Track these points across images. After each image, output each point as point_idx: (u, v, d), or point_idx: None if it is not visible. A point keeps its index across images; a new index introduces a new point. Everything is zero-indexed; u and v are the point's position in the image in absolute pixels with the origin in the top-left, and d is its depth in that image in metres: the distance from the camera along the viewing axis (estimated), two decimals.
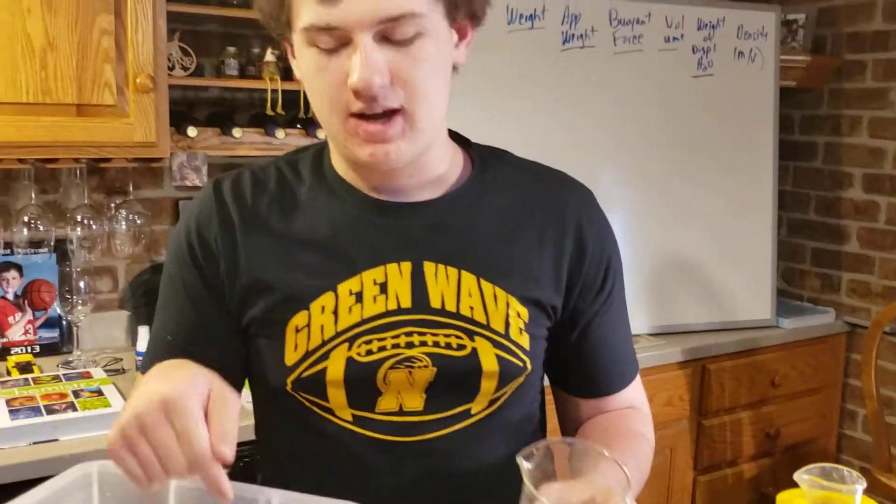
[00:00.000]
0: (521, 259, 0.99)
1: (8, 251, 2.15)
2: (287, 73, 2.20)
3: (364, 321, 0.94)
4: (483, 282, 0.97)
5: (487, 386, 0.97)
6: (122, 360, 2.18)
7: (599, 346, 1.07)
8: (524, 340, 0.98)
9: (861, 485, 0.92)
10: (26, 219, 2.12)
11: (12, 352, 2.17)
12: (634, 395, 1.13)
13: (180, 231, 1.02)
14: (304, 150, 1.06)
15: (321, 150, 1.04)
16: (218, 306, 0.99)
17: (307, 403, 0.96)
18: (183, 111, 2.23)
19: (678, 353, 2.54)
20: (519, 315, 0.98)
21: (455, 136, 1.06)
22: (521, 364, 0.98)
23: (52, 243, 2.17)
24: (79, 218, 2.17)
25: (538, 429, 1.11)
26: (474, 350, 0.95)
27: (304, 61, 0.90)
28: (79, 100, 1.81)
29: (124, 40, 1.86)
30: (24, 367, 2.04)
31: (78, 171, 2.18)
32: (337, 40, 0.86)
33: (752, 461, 2.78)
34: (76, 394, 1.84)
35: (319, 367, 0.94)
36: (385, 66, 0.86)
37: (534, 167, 1.08)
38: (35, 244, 2.16)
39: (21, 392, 1.85)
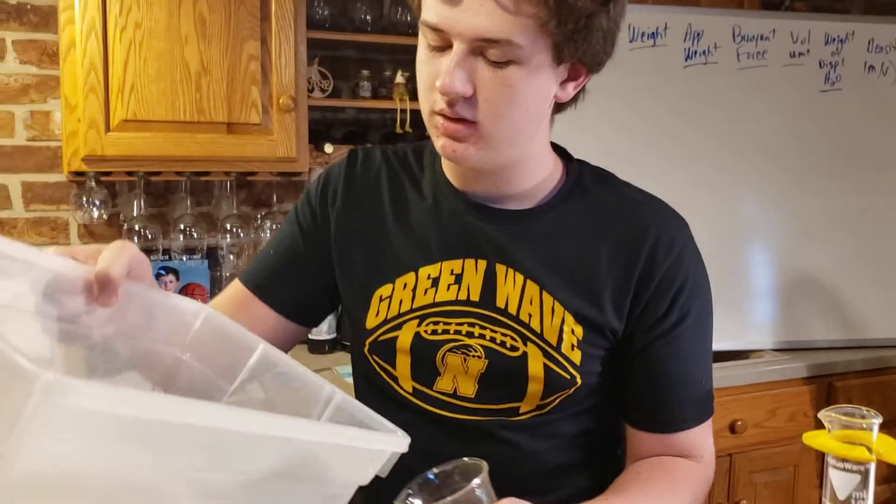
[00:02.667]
0: (587, 279, 1.01)
1: (166, 257, 2.39)
2: (415, 94, 2.34)
3: (435, 304, 1.04)
4: (545, 294, 1.01)
5: (534, 390, 1.01)
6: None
7: (655, 378, 1.04)
8: (575, 356, 1.01)
9: (878, 419, 0.96)
10: (182, 227, 2.36)
11: None
12: (696, 441, 1.06)
13: (310, 185, 1.15)
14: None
15: None
16: (311, 260, 1.11)
17: (378, 369, 1.07)
18: (321, 130, 2.42)
19: (803, 369, 2.51)
20: (573, 332, 1.00)
21: (559, 150, 1.10)
22: (568, 377, 1.01)
23: (205, 250, 2.39)
24: (228, 227, 2.39)
25: (607, 449, 1.14)
26: (525, 354, 1.00)
27: (419, 50, 0.97)
28: (229, 118, 2.01)
29: (269, 65, 2.06)
30: None
31: (228, 185, 2.39)
32: (442, 41, 0.91)
33: (884, 483, 2.70)
34: None
35: (392, 334, 1.05)
36: (470, 79, 0.90)
37: (629, 191, 1.08)
38: (189, 251, 2.38)
39: None
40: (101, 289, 0.76)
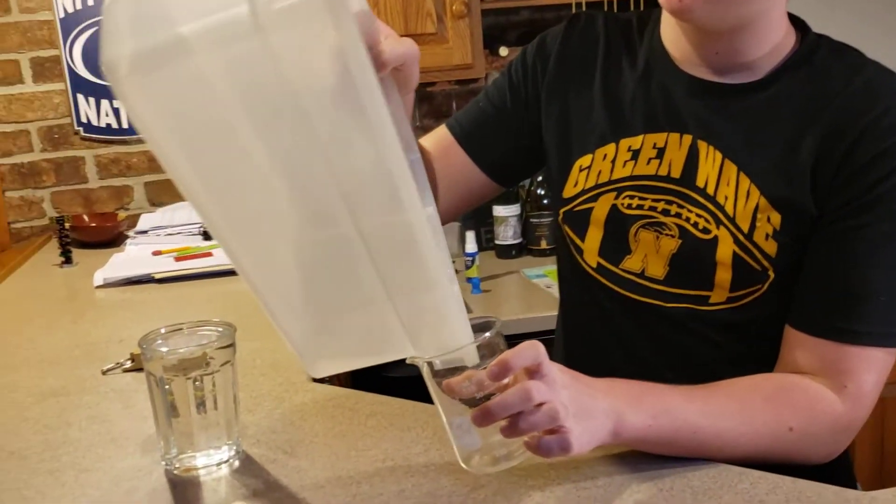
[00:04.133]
0: (791, 162, 0.93)
1: None
2: None
3: (634, 177, 1.03)
4: (741, 175, 0.95)
5: (722, 278, 0.96)
6: (454, 262, 2.48)
7: (829, 272, 0.92)
8: (770, 247, 0.94)
9: None
10: None
11: None
12: (852, 366, 0.89)
13: (528, 45, 1.17)
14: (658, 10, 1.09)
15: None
16: (517, 119, 1.14)
17: (568, 240, 1.10)
18: (495, 34, 2.44)
19: None
20: (769, 220, 0.94)
21: (797, 22, 1.01)
22: (759, 269, 0.94)
23: None
24: None
25: None
26: (716, 238, 0.96)
27: None
28: (405, 31, 2.08)
29: None
30: None
31: None
32: None
33: None
34: None
35: (588, 205, 1.06)
36: None
37: (867, 69, 0.95)
38: None
39: None
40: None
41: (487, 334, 0.76)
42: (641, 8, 2.26)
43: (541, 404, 0.73)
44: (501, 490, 0.82)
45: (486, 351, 0.76)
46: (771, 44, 0.97)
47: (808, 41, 0.98)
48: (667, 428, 0.83)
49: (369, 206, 0.69)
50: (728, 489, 0.80)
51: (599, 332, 1.10)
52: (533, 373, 0.75)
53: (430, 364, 0.76)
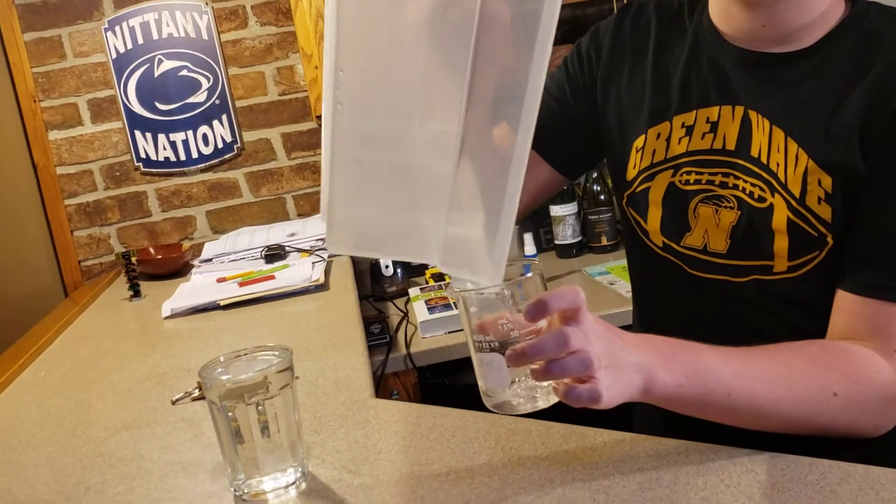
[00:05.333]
0: (839, 124, 0.92)
1: None
2: None
3: (689, 153, 1.03)
4: (789, 140, 0.95)
5: (780, 246, 0.95)
6: (512, 264, 2.46)
7: (865, 224, 0.91)
8: (824, 211, 0.92)
9: None
10: None
11: (429, 265, 2.57)
12: (894, 328, 0.88)
13: (582, 38, 1.19)
14: None
15: None
16: (576, 111, 1.15)
17: (633, 223, 1.10)
18: None
19: None
20: (820, 183, 0.92)
21: None
22: (816, 235, 0.93)
23: None
24: None
25: None
26: (771, 205, 0.96)
27: None
28: None
29: None
30: (438, 277, 2.42)
31: None
32: None
33: None
34: None
35: (646, 185, 1.06)
36: None
37: None
38: None
39: (436, 294, 2.22)
40: None
41: (528, 274, 0.76)
42: None
43: (575, 351, 0.73)
44: (566, 496, 0.81)
45: (523, 292, 0.76)
46: (817, 12, 0.96)
47: (858, 7, 0.97)
48: (699, 388, 0.81)
49: (495, 113, 0.72)
50: (798, 481, 0.78)
51: (675, 318, 1.09)
52: (569, 319, 0.74)
53: (465, 298, 0.77)
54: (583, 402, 0.74)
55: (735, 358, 0.84)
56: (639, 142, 1.07)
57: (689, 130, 1.03)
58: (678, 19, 1.10)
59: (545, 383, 0.77)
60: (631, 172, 1.08)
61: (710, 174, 1.01)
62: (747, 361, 0.84)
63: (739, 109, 1.00)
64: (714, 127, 1.01)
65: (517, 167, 0.72)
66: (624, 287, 2.16)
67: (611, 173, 1.15)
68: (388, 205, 0.80)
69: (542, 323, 0.76)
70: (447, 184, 0.75)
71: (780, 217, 0.95)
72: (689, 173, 1.02)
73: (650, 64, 1.08)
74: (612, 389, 0.74)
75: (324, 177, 0.83)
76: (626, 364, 0.77)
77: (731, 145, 1.00)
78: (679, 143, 1.04)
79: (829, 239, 0.93)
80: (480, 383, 0.79)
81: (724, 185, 1.00)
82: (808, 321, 0.97)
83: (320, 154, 2.76)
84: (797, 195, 0.94)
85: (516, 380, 0.77)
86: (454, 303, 0.83)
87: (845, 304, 0.91)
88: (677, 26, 1.09)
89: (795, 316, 0.98)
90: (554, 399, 0.77)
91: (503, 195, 0.73)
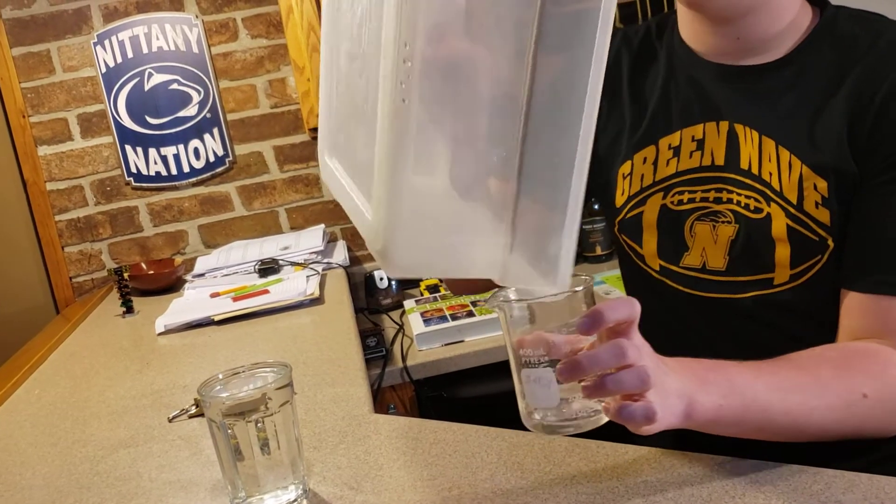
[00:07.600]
0: (825, 127, 0.93)
1: None
2: None
3: (679, 173, 1.02)
4: (781, 148, 0.95)
5: (781, 255, 0.95)
6: None
7: (873, 227, 0.91)
8: (822, 215, 0.92)
9: None
10: None
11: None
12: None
13: None
14: (674, 13, 1.10)
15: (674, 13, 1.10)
16: None
17: (627, 248, 1.09)
18: None
19: None
20: (816, 187, 0.92)
21: None
22: (817, 239, 0.93)
23: None
24: None
25: None
26: (768, 215, 0.95)
27: None
28: None
29: None
30: (433, 288, 2.42)
31: None
32: None
33: None
34: (474, 304, 2.15)
35: (638, 210, 1.05)
36: None
37: (890, 29, 0.95)
38: None
39: (431, 306, 2.21)
40: None
41: (578, 288, 0.71)
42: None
43: (629, 365, 0.68)
44: None
45: (568, 307, 0.71)
46: (787, 20, 0.98)
47: (827, 14, 0.99)
48: (737, 408, 0.78)
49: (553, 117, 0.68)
50: (803, 491, 0.78)
51: (674, 339, 1.07)
52: (619, 333, 0.70)
53: (507, 311, 0.72)
54: (636, 420, 0.69)
55: (764, 372, 0.82)
56: (625, 168, 1.07)
57: (677, 151, 1.03)
58: (646, 44, 1.10)
59: (594, 403, 0.72)
60: (620, 199, 1.07)
61: (703, 191, 1.01)
62: (776, 374, 0.82)
63: (724, 124, 1.00)
64: (700, 144, 1.01)
65: (580, 164, 0.67)
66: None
67: (600, 202, 1.14)
68: (450, 221, 0.71)
69: (587, 341, 0.72)
70: (509, 196, 0.69)
71: (780, 225, 0.95)
72: (680, 193, 1.02)
73: (626, 92, 1.08)
74: (664, 410, 0.70)
75: (359, 198, 0.76)
76: (670, 389, 0.73)
77: (720, 160, 1.00)
78: (668, 164, 1.03)
79: (830, 242, 0.93)
80: (524, 402, 0.73)
81: (718, 201, 1.00)
82: (813, 333, 0.96)
83: (313, 166, 2.76)
84: (794, 202, 0.94)
85: (566, 399, 0.72)
86: (498, 316, 0.77)
87: (854, 304, 0.91)
88: (647, 51, 1.09)
89: (799, 329, 0.98)
90: (603, 419, 0.72)
91: (567, 195, 0.67)
